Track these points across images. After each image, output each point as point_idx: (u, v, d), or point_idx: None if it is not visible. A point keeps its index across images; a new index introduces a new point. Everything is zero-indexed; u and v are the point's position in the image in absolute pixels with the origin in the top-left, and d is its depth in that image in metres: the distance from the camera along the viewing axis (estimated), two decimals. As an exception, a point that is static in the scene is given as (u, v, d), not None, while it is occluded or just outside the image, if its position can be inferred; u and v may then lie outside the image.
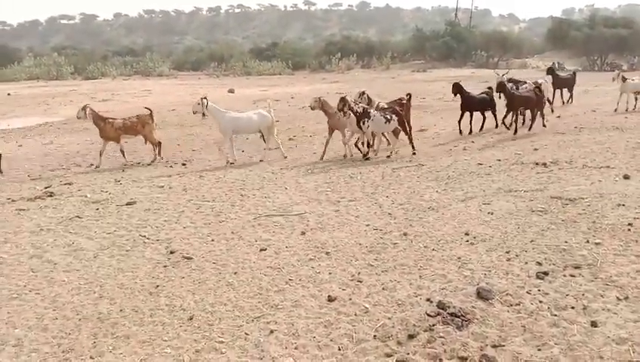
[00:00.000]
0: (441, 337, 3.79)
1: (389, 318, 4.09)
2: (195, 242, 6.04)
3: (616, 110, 15.05)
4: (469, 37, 51.96)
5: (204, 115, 10.62)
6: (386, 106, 10.99)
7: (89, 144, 13.59)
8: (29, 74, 43.82)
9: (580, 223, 5.83)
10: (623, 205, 6.32)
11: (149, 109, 11.33)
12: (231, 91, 27.86)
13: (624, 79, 15.35)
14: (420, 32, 57.05)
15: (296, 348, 3.78)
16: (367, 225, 6.34)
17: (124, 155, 11.06)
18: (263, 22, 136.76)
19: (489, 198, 7.08)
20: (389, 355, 3.65)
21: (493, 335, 3.78)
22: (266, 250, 5.68)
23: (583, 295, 4.25)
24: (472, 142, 11.57)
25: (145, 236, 6.32)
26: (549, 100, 15.23)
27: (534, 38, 60.48)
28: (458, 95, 12.61)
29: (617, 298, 4.16)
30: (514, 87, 13.05)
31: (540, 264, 4.88)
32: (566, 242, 5.33)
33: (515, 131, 12.07)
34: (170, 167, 10.53)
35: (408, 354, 3.65)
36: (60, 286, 5.02)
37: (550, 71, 17.26)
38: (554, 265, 4.84)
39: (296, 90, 28.20)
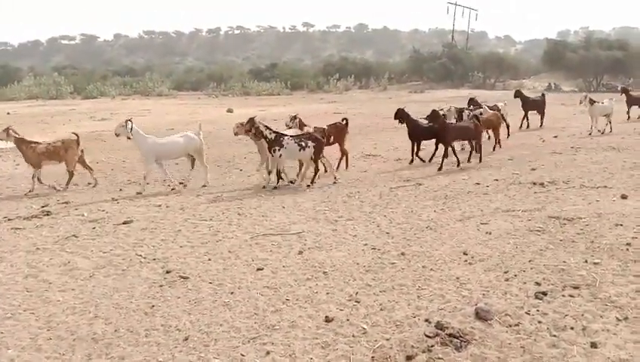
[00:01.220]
0: (439, 358, 3.75)
1: (387, 339, 4.05)
2: (192, 261, 6.00)
3: (590, 134, 14.90)
4: (465, 58, 52.42)
5: (128, 137, 9.93)
6: (310, 131, 10.41)
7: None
8: (28, 93, 43.94)
9: (579, 243, 5.82)
10: (621, 225, 6.32)
11: (76, 134, 10.68)
12: (229, 111, 27.99)
13: (592, 102, 15.09)
14: (418, 53, 57.58)
15: (292, 370, 3.73)
16: (365, 245, 6.31)
17: (39, 181, 10.31)
18: (262, 43, 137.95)
19: (487, 218, 7.08)
20: (386, 377, 3.60)
21: (492, 356, 3.74)
22: (262, 269, 5.64)
23: (583, 315, 4.21)
24: (469, 162, 11.59)
25: (141, 255, 6.27)
26: (507, 125, 15.00)
27: (531, 60, 61.02)
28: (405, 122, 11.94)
29: (617, 318, 4.13)
30: (468, 112, 12.78)
31: (538, 284, 4.85)
32: (564, 262, 5.31)
33: (458, 164, 11.06)
34: (168, 186, 10.51)
35: (406, 375, 3.60)
36: (54, 305, 4.96)
37: (518, 94, 17.19)
38: (553, 285, 4.82)
39: (294, 110, 28.32)
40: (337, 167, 11.21)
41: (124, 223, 7.67)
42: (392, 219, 7.37)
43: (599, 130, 15.09)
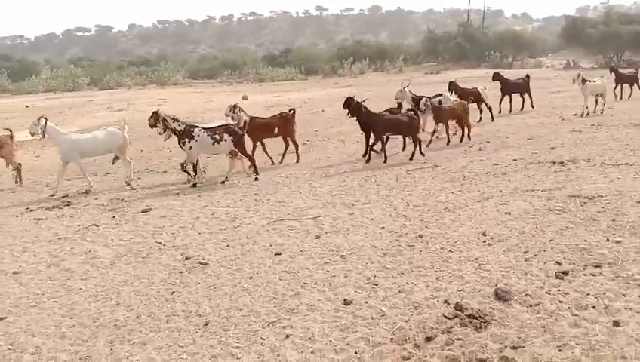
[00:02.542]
0: (459, 339, 3.74)
1: (406, 321, 4.04)
2: (211, 248, 6.05)
3: (582, 115, 14.26)
4: (481, 38, 51.58)
5: (43, 135, 9.22)
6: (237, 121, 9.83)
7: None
8: (46, 86, 44.45)
9: (600, 221, 5.73)
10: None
11: (10, 130, 10.36)
12: (245, 98, 27.99)
13: (584, 81, 14.45)
14: (432, 34, 56.80)
15: (312, 352, 3.75)
16: (382, 228, 6.29)
17: None
18: (276, 29, 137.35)
19: (506, 198, 7.00)
20: (406, 358, 3.60)
21: (513, 336, 3.71)
22: (280, 254, 5.66)
23: (604, 294, 4.16)
24: (488, 142, 11.46)
25: (161, 243, 6.35)
26: (489, 108, 14.39)
27: (548, 37, 59.80)
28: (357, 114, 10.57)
29: (640, 296, 4.06)
30: (425, 100, 11.89)
31: (559, 263, 4.79)
32: (585, 241, 5.23)
33: (385, 159, 10.21)
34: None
35: (426, 356, 3.60)
36: (77, 293, 5.06)
37: (496, 76, 16.21)
38: (573, 264, 4.75)
39: (309, 95, 28.23)
40: (281, 160, 10.90)
41: (143, 212, 7.76)
42: (409, 202, 7.33)
43: (586, 113, 14.33)
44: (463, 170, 8.92)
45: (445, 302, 4.28)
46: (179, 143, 9.28)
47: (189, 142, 9.10)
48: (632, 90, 17.87)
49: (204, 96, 31.45)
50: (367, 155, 10.41)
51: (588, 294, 4.18)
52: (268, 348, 3.85)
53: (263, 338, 3.97)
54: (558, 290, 4.30)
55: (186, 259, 5.73)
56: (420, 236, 5.86)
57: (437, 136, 11.87)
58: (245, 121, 9.81)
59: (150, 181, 10.13)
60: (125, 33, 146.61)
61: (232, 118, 10.21)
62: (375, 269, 5.08)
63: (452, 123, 11.91)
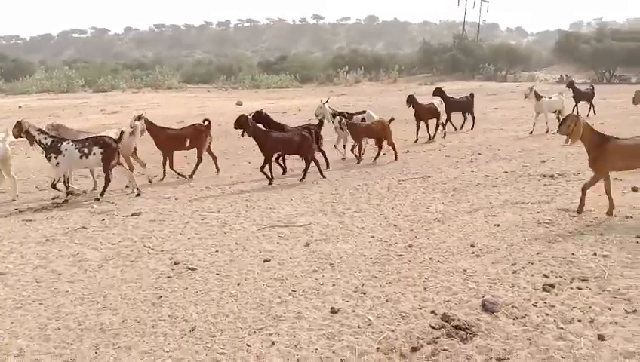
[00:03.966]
0: (445, 350, 3.74)
1: (393, 330, 4.05)
2: (200, 253, 6.03)
3: (531, 133, 13.61)
4: (476, 50, 52.05)
5: None
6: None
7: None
8: (40, 87, 44.25)
9: (587, 235, 5.78)
10: (631, 217, 6.27)
11: None
12: (239, 104, 28.02)
13: (538, 96, 13.65)
14: (428, 45, 57.26)
15: (297, 360, 3.75)
16: (372, 237, 6.30)
17: None
18: (272, 36, 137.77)
19: (495, 210, 7.04)
20: (391, 368, 3.60)
21: (498, 348, 3.72)
22: (269, 261, 5.65)
23: (590, 308, 4.19)
24: (480, 154, 11.52)
25: (149, 247, 6.32)
26: (442, 124, 14.02)
27: (542, 52, 60.41)
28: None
29: (625, 311, 4.10)
30: (340, 118, 11.07)
31: (546, 276, 4.82)
32: (573, 254, 5.27)
33: (270, 181, 9.50)
34: (177, 178, 10.55)
35: (411, 366, 3.60)
36: (63, 296, 5.02)
37: (438, 92, 15.00)
38: (560, 277, 4.79)
39: (304, 102, 28.30)
40: (191, 174, 10.34)
41: (132, 215, 7.72)
42: (399, 212, 7.35)
43: (547, 130, 13.58)
44: (454, 181, 8.97)
45: (432, 312, 4.29)
46: (46, 157, 8.58)
47: (55, 157, 8.41)
48: (590, 107, 17.32)
49: (198, 101, 31.45)
50: (269, 176, 9.62)
51: (574, 307, 4.21)
52: (253, 355, 3.84)
53: (248, 345, 3.96)
54: (545, 303, 4.32)
55: (175, 263, 5.70)
56: (410, 246, 5.88)
57: (356, 155, 11.53)
58: (121, 133, 8.96)
59: (141, 184, 10.07)
60: (121, 36, 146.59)
61: (133, 128, 9.65)
62: (363, 278, 5.08)
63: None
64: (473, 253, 5.56)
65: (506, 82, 43.29)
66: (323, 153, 10.69)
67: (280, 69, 51.07)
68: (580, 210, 6.60)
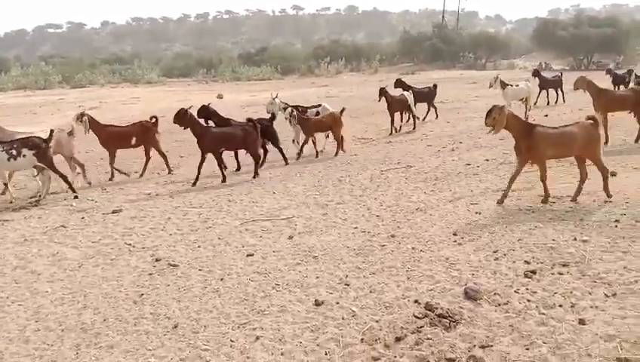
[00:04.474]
0: (428, 339, 3.76)
1: (377, 321, 4.05)
2: (182, 249, 5.97)
3: None
4: (456, 39, 52.31)
5: None
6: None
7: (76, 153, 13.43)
8: (16, 84, 43.34)
9: (568, 221, 5.84)
10: (610, 202, 6.35)
11: None
12: (220, 97, 27.77)
13: (503, 85, 13.53)
14: (408, 34, 57.36)
15: (282, 354, 3.73)
16: (355, 228, 6.30)
17: None
18: (252, 27, 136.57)
19: (477, 198, 7.08)
20: (376, 359, 3.61)
21: (481, 335, 3.74)
22: (252, 255, 5.62)
23: (571, 292, 4.23)
24: (461, 142, 11.57)
25: (130, 244, 6.24)
26: (414, 117, 13.99)
27: (521, 39, 60.90)
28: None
29: (605, 295, 4.15)
30: (291, 110, 10.90)
31: (527, 263, 4.86)
32: (554, 240, 5.32)
33: (223, 179, 9.27)
34: (158, 174, 10.43)
35: (395, 357, 3.61)
36: (43, 296, 4.94)
37: (398, 83, 15.10)
38: (542, 263, 4.83)
39: (286, 94, 28.17)
40: (141, 173, 10.19)
41: (113, 212, 7.62)
42: (382, 202, 7.36)
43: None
44: (436, 171, 9.00)
45: (416, 301, 4.30)
46: None
47: None
48: (557, 95, 17.33)
49: (179, 95, 31.11)
50: (222, 177, 9.36)
51: (555, 293, 4.25)
52: (237, 350, 3.81)
53: (232, 341, 3.93)
54: (527, 289, 4.36)
55: (156, 260, 5.64)
56: (392, 236, 5.89)
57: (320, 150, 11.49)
58: (51, 132, 8.54)
59: (122, 182, 9.95)
60: (98, 30, 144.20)
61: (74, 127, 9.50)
62: (347, 269, 5.08)
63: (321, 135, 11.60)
64: (455, 241, 5.59)
65: (486, 70, 43.54)
66: (280, 150, 10.58)
67: (261, 61, 50.71)
68: (501, 201, 6.65)
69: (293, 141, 11.57)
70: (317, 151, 11.39)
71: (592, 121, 6.49)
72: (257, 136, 9.41)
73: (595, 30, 43.29)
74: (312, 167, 10.21)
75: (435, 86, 15.82)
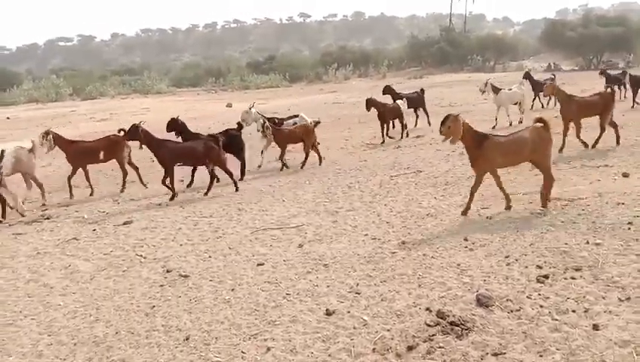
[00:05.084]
0: (440, 347, 3.73)
1: (388, 330, 4.03)
2: (192, 259, 5.99)
3: (494, 127, 12.84)
4: (464, 42, 52.17)
5: None
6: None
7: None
8: (28, 97, 43.83)
9: (580, 224, 5.77)
10: (623, 204, 6.26)
11: None
12: (229, 105, 27.93)
13: (496, 90, 13.18)
14: (415, 38, 57.30)
15: (293, 365, 3.72)
16: (366, 235, 6.28)
17: None
18: (260, 36, 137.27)
19: (487, 203, 7.03)
20: (388, 368, 3.58)
21: (494, 343, 3.71)
22: (263, 264, 5.62)
23: (584, 297, 4.18)
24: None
25: (142, 255, 6.27)
26: (404, 125, 13.46)
27: (530, 40, 60.60)
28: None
29: (619, 299, 4.09)
30: (263, 120, 10.71)
31: (540, 267, 4.81)
32: (566, 244, 5.26)
33: (172, 196, 8.90)
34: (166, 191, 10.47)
35: (407, 366, 3.58)
36: (55, 310, 4.97)
37: (387, 90, 14.72)
38: (554, 267, 4.78)
39: (294, 101, 28.25)
40: (122, 190, 9.91)
41: (124, 224, 7.67)
42: (392, 208, 7.33)
43: (508, 121, 13.17)
44: (446, 175, 8.96)
45: (427, 309, 4.27)
46: None
47: None
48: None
49: (188, 105, 31.31)
50: (172, 193, 9.00)
51: (568, 298, 4.20)
52: (249, 361, 3.81)
53: (243, 352, 3.93)
54: (539, 294, 4.31)
55: (167, 271, 5.66)
56: (403, 243, 5.86)
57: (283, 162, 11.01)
58: (2, 152, 8.45)
59: (133, 192, 10.01)
60: (108, 42, 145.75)
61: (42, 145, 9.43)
62: (358, 277, 5.06)
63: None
64: (466, 246, 5.55)
65: (495, 72, 43.33)
66: (243, 161, 10.32)
67: (269, 69, 50.89)
68: (464, 213, 6.58)
69: (262, 153, 11.20)
70: (283, 164, 10.96)
71: (542, 124, 6.43)
72: (220, 150, 9.04)
73: (604, 29, 43.00)
74: (321, 173, 10.20)
75: (422, 90, 15.48)
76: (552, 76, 17.53)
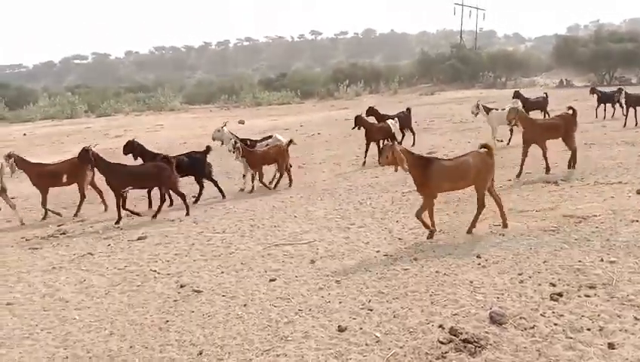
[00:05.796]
0: (453, 364, 3.71)
1: (401, 347, 4.03)
2: (205, 275, 6.03)
3: (508, 144, 13.06)
4: (474, 58, 52.25)
5: None
6: None
7: (102, 180, 13.72)
8: (44, 114, 44.54)
9: (594, 241, 5.75)
10: (637, 221, 6.24)
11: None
12: (241, 122, 28.14)
13: (487, 110, 13.11)
14: (426, 55, 57.52)
15: (306, 381, 3.73)
16: (378, 252, 6.29)
17: None
18: (271, 53, 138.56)
19: (500, 219, 7.00)
20: (401, 385, 3.58)
21: (507, 361, 3.70)
22: (275, 280, 5.65)
23: (599, 316, 4.15)
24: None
25: (155, 271, 6.33)
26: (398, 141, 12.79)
27: (541, 57, 60.54)
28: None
29: (635, 317, 4.07)
30: (234, 142, 10.37)
31: (553, 285, 4.79)
32: (580, 261, 5.24)
33: (118, 220, 8.79)
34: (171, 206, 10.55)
35: (421, 383, 3.57)
36: (71, 324, 5.03)
37: (370, 111, 14.77)
38: (568, 285, 4.76)
39: (306, 118, 28.43)
40: (75, 213, 9.71)
41: (138, 239, 7.75)
42: (404, 225, 7.34)
43: (508, 141, 13.20)
44: (457, 192, 8.93)
45: (440, 326, 4.26)
46: None
47: None
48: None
49: (201, 122, 31.62)
50: (118, 217, 8.88)
51: (583, 316, 4.18)
52: (262, 377, 3.82)
53: (257, 367, 3.95)
54: (553, 312, 4.29)
55: (181, 286, 5.71)
56: (415, 259, 5.86)
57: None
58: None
59: (145, 208, 10.11)
60: (122, 60, 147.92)
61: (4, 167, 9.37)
62: (370, 294, 5.07)
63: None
64: (479, 264, 5.54)
65: (507, 89, 43.31)
66: (201, 186, 10.23)
67: (281, 86, 51.30)
68: (430, 236, 6.55)
69: (244, 176, 11.08)
70: (253, 186, 10.85)
71: (486, 150, 6.43)
72: (172, 172, 8.96)
73: (616, 45, 42.87)
74: (333, 190, 10.24)
75: (408, 110, 15.35)
76: (544, 95, 17.19)
